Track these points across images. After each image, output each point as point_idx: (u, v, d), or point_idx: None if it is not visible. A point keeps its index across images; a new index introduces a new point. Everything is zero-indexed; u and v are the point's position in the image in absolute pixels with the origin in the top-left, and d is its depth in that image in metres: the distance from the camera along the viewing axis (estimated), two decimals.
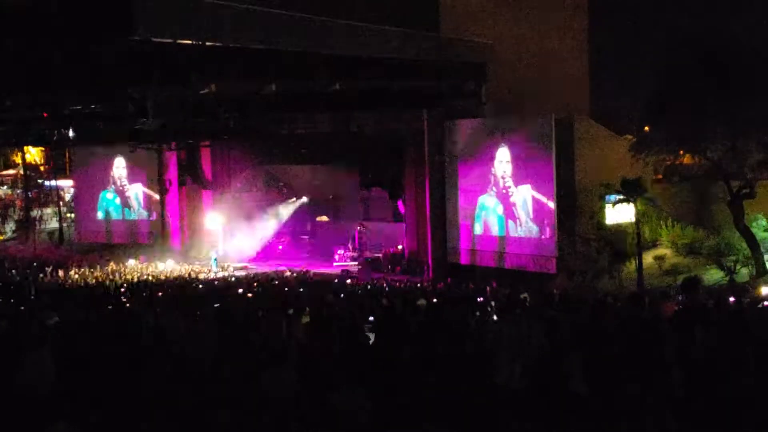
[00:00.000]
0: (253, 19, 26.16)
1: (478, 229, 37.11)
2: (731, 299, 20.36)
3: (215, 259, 42.62)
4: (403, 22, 33.52)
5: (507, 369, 9.84)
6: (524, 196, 35.25)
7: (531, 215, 35.03)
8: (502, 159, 36.07)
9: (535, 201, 34.50)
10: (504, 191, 36.09)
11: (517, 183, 35.30)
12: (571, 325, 12.01)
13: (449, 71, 36.73)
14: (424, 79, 35.42)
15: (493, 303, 20.44)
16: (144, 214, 49.16)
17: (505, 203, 36.14)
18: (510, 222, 35.94)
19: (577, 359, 9.79)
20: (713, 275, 30.58)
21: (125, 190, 49.68)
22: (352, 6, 34.17)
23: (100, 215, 50.52)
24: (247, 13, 25.87)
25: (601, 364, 9.98)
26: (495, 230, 36.39)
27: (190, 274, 39.49)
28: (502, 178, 36.07)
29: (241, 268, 42.87)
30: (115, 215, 50.07)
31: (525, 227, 35.37)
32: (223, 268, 42.52)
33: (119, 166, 49.52)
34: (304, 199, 48.65)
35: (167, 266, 43.13)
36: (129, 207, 49.79)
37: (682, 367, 9.52)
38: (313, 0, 31.95)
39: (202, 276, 39.11)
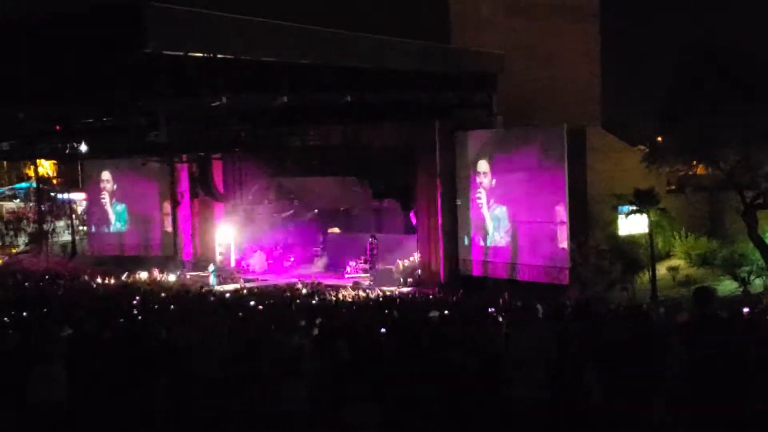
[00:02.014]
0: (264, 31, 26.20)
1: (489, 241, 37.00)
2: (745, 310, 20.27)
3: (214, 271, 42.48)
4: (413, 33, 33.53)
5: (520, 381, 9.76)
6: (530, 207, 35.37)
7: (535, 226, 35.16)
8: (480, 170, 36.25)
9: (548, 212, 34.37)
10: (478, 203, 36.46)
11: (528, 193, 35.20)
12: (583, 336, 11.94)
13: (460, 82, 36.69)
14: (434, 90, 35.37)
15: (505, 314, 20.37)
16: (145, 225, 49.30)
17: (507, 213, 36.29)
18: (513, 232, 36.04)
19: (593, 371, 9.75)
20: (727, 286, 30.43)
21: (104, 204, 49.89)
22: (362, 18, 34.24)
23: (112, 228, 50.72)
24: (257, 26, 25.91)
25: (612, 376, 9.93)
26: (506, 242, 36.27)
27: (202, 287, 39.49)
28: (478, 190, 36.24)
29: (253, 281, 42.85)
30: (122, 227, 50.18)
31: (526, 237, 35.41)
32: (232, 280, 42.51)
33: (105, 179, 49.72)
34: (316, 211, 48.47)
35: (175, 278, 43.19)
36: (107, 224, 50.00)
37: (689, 379, 9.43)
38: (323, 12, 32.04)
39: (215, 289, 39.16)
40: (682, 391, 9.27)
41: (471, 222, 37.70)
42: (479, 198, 36.53)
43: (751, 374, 9.06)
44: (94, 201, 50.99)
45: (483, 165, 36.43)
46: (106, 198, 50.03)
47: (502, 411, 9.93)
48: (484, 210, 36.46)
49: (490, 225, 36.28)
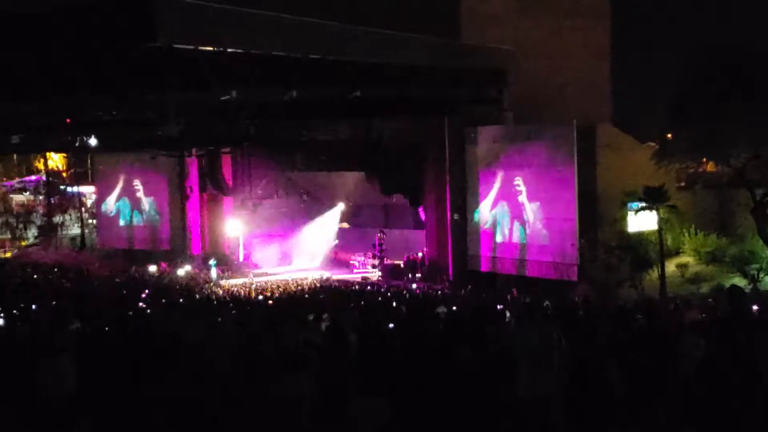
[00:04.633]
0: (274, 25, 26.20)
1: (498, 237, 36.95)
2: (754, 308, 20.18)
3: (215, 265, 42.41)
4: (423, 28, 33.49)
5: (528, 380, 9.74)
6: (539, 203, 35.16)
7: (544, 222, 34.95)
8: (515, 164, 36.08)
9: (557, 209, 34.30)
10: (517, 197, 36.14)
11: (537, 190, 35.13)
12: (594, 333, 11.91)
13: (470, 78, 36.63)
14: (444, 85, 35.34)
15: (513, 310, 20.33)
16: (156, 219, 49.22)
17: (517, 209, 36.07)
18: (522, 228, 35.84)
19: (615, 365, 9.76)
20: (736, 283, 30.31)
21: (138, 195, 49.86)
22: (373, 13, 34.21)
23: (122, 222, 50.60)
24: (267, 20, 25.91)
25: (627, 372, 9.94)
26: (515, 238, 36.22)
27: (207, 282, 39.55)
28: (516, 184, 36.01)
29: (261, 275, 42.90)
30: (134, 220, 50.09)
31: (535, 233, 35.26)
32: (240, 275, 42.56)
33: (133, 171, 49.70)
34: (341, 205, 48.49)
35: (185, 272, 43.22)
36: (140, 211, 49.87)
37: (704, 378, 9.41)
38: (333, 7, 32.05)
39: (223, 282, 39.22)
40: (693, 388, 9.27)
41: (481, 217, 37.64)
42: (520, 192, 36.06)
43: (760, 372, 9.05)
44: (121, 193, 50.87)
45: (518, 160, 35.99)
46: (140, 189, 49.96)
47: (511, 410, 9.91)
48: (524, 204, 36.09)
49: (531, 217, 35.95)
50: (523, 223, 35.82)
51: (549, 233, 34.72)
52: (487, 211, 37.38)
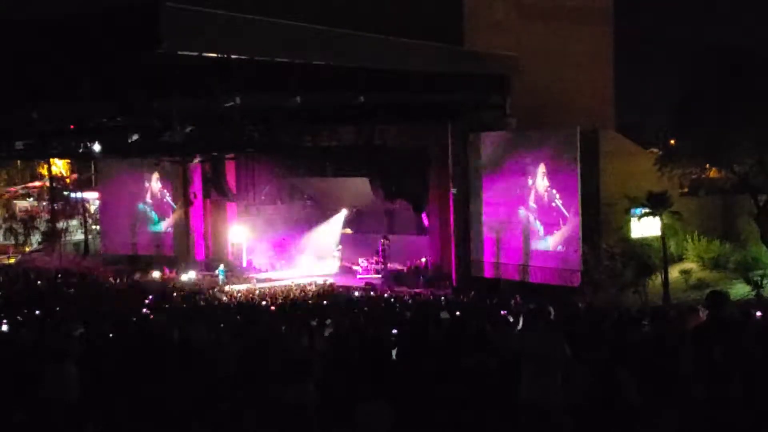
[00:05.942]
0: (278, 32, 26.23)
1: (502, 243, 36.91)
2: (758, 314, 20.16)
3: (223, 271, 42.45)
4: (427, 35, 33.51)
5: (531, 384, 9.74)
6: (542, 209, 35.14)
7: (547, 228, 34.95)
8: (518, 170, 36.04)
9: (560, 214, 34.30)
10: (523, 203, 36.06)
11: (540, 195, 35.10)
12: (597, 339, 11.93)
13: (473, 84, 36.63)
14: (448, 92, 35.34)
15: (516, 316, 20.32)
16: (159, 224, 49.19)
17: (523, 215, 36.04)
18: (527, 233, 35.82)
19: (627, 372, 9.77)
20: (739, 290, 30.31)
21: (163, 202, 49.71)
22: (376, 19, 34.25)
23: (142, 227, 50.31)
24: (271, 27, 25.94)
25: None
26: (520, 243, 36.20)
27: (213, 288, 39.56)
28: (546, 192, 35.75)
29: (264, 281, 42.90)
30: (151, 227, 49.90)
31: (538, 239, 35.29)
32: (245, 281, 42.57)
33: (155, 179, 49.53)
34: (344, 211, 48.38)
35: (189, 278, 43.26)
36: (165, 219, 49.79)
37: (703, 382, 9.42)
38: (337, 13, 32.08)
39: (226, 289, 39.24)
40: (694, 392, 9.27)
41: (484, 223, 37.62)
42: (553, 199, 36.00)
43: (762, 376, 9.06)
44: (127, 200, 50.60)
45: (542, 167, 35.91)
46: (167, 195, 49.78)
47: (515, 416, 9.92)
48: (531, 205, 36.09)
49: (511, 225, 36.06)
50: (528, 229, 35.81)
51: (552, 239, 34.73)
52: (490, 217, 37.32)
